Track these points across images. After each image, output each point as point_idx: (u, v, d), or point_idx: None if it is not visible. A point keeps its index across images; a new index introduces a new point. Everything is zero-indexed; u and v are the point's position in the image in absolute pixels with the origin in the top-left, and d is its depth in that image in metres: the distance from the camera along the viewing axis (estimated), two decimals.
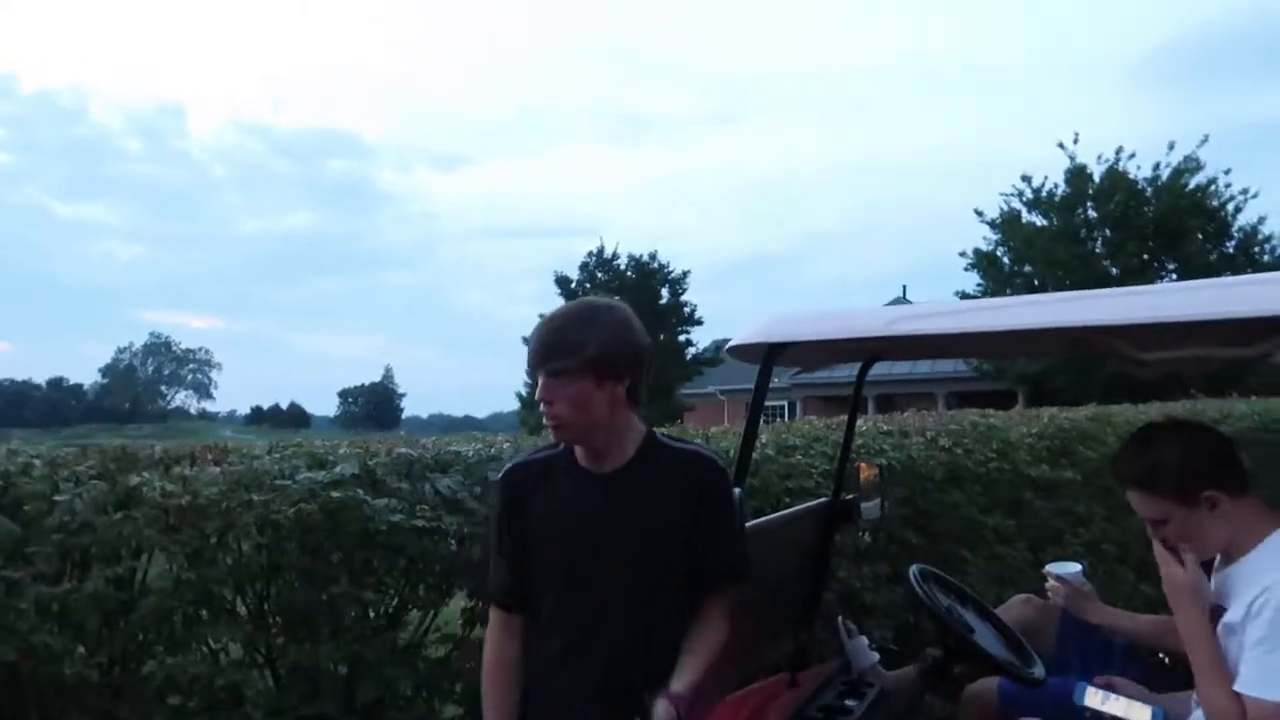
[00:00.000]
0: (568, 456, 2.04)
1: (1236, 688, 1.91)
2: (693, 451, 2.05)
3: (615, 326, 1.93)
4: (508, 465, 2.14)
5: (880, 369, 3.14)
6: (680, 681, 1.87)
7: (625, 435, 2.00)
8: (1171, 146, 21.66)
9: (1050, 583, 2.77)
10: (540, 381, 1.92)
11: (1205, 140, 22.89)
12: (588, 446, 1.99)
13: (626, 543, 1.95)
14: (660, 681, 1.89)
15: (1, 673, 2.22)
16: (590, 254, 29.95)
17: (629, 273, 29.53)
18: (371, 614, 2.83)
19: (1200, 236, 21.61)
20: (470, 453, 3.21)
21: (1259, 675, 1.88)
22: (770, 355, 2.34)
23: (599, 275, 29.54)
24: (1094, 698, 2.27)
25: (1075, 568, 2.82)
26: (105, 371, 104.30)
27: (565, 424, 1.93)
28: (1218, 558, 2.12)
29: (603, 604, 1.96)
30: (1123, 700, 2.22)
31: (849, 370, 3.24)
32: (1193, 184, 21.46)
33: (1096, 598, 2.73)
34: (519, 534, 2.04)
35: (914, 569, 2.71)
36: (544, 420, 1.94)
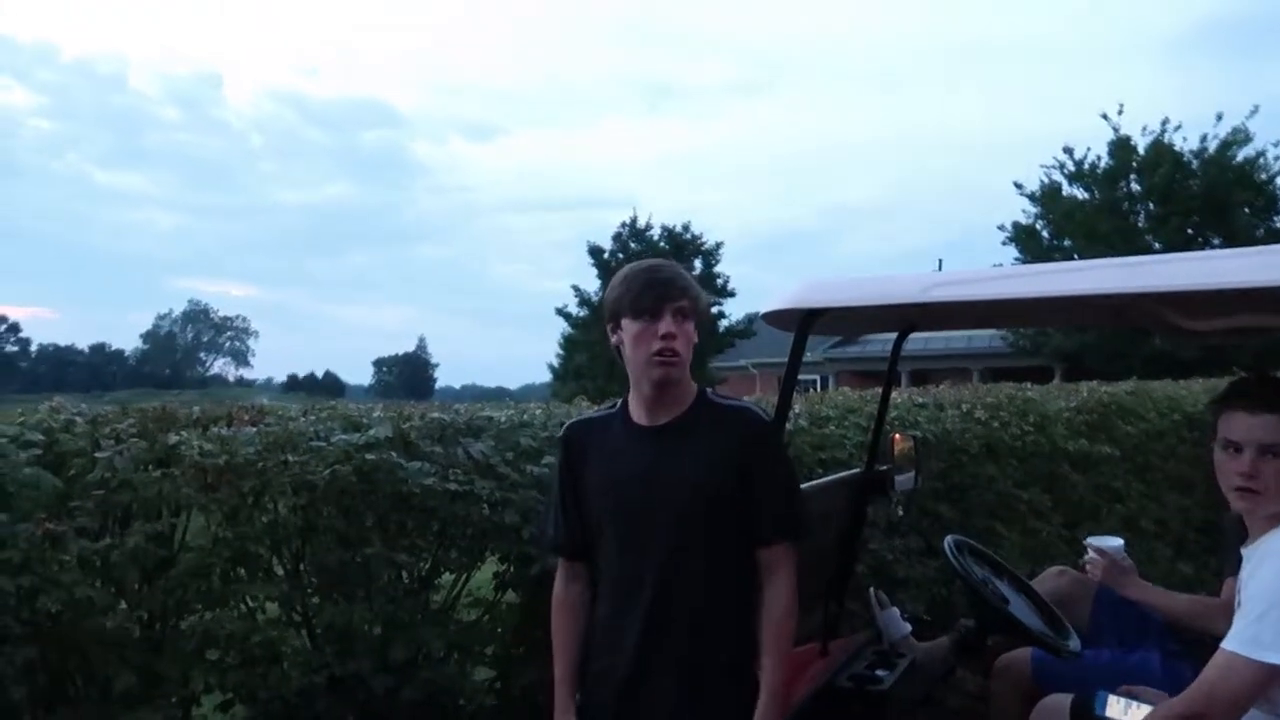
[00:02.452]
0: (623, 413, 2.09)
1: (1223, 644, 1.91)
2: (742, 407, 2.09)
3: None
4: (568, 423, 2.20)
5: (914, 344, 3.11)
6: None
7: (689, 386, 2.05)
8: (1219, 118, 21.06)
9: (1090, 554, 2.73)
10: (665, 317, 1.95)
11: (1255, 111, 22.21)
12: (668, 390, 2.01)
13: (673, 494, 1.98)
14: (710, 639, 1.95)
15: (45, 625, 2.26)
16: (623, 225, 29.82)
17: (662, 244, 29.37)
18: (405, 576, 2.86)
19: (1247, 210, 21.06)
20: (503, 418, 3.22)
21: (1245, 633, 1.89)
22: (805, 322, 2.31)
23: (632, 246, 29.41)
24: (1115, 707, 2.23)
25: (1117, 542, 2.78)
26: (146, 338, 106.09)
27: (680, 360, 1.98)
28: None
29: (653, 556, 1.99)
30: (1145, 709, 2.16)
31: (882, 344, 3.22)
32: (1240, 156, 20.89)
33: (1135, 573, 2.69)
34: (576, 488, 2.10)
35: (949, 539, 2.69)
36: (656, 355, 1.95)
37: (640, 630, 1.98)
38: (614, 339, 2.04)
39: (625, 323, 2.00)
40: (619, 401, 2.14)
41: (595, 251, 29.53)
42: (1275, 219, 21.30)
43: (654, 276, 2.00)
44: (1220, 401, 2.09)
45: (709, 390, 2.11)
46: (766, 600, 1.99)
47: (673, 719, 1.98)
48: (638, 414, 2.06)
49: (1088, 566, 2.78)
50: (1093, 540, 2.79)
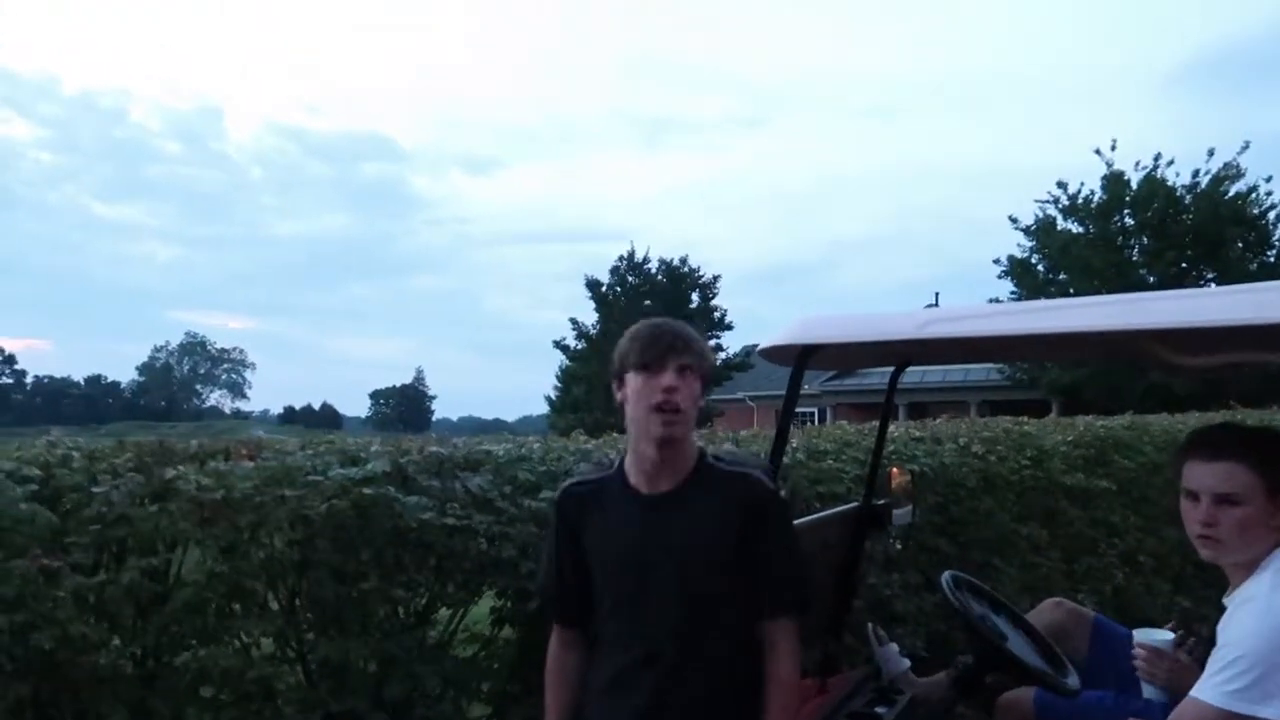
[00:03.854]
0: (620, 478, 2.04)
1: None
2: (743, 474, 2.02)
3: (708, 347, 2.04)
4: (563, 485, 2.15)
5: (912, 376, 3.13)
6: None
7: (689, 449, 2.00)
8: (1211, 153, 21.31)
9: (1140, 653, 2.40)
10: (669, 371, 1.92)
11: (1246, 147, 22.39)
12: (670, 451, 1.96)
13: (670, 567, 1.94)
14: (705, 712, 1.91)
15: (38, 661, 2.25)
16: (621, 258, 29.99)
17: (660, 277, 29.52)
18: (401, 611, 2.85)
19: (1240, 245, 21.22)
20: (501, 452, 3.22)
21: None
22: (802, 358, 2.33)
23: (629, 279, 29.56)
24: None
25: (1167, 635, 2.45)
26: (142, 370, 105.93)
27: (683, 417, 1.93)
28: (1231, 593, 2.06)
29: (651, 629, 1.95)
30: None
31: (879, 377, 3.23)
32: (1233, 191, 21.09)
33: (1198, 670, 2.16)
34: (573, 555, 2.06)
35: (946, 575, 2.68)
36: (660, 409, 1.90)
37: (645, 707, 1.93)
38: (619, 396, 2.00)
39: (629, 377, 1.96)
40: (616, 462, 2.08)
41: (593, 284, 29.66)
42: (1268, 254, 21.46)
43: (660, 330, 1.97)
44: (1181, 451, 2.12)
45: (709, 455, 2.06)
46: (769, 674, 1.94)
47: None
48: (636, 479, 2.01)
49: (1139, 666, 2.40)
50: (1140, 635, 2.43)
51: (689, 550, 1.94)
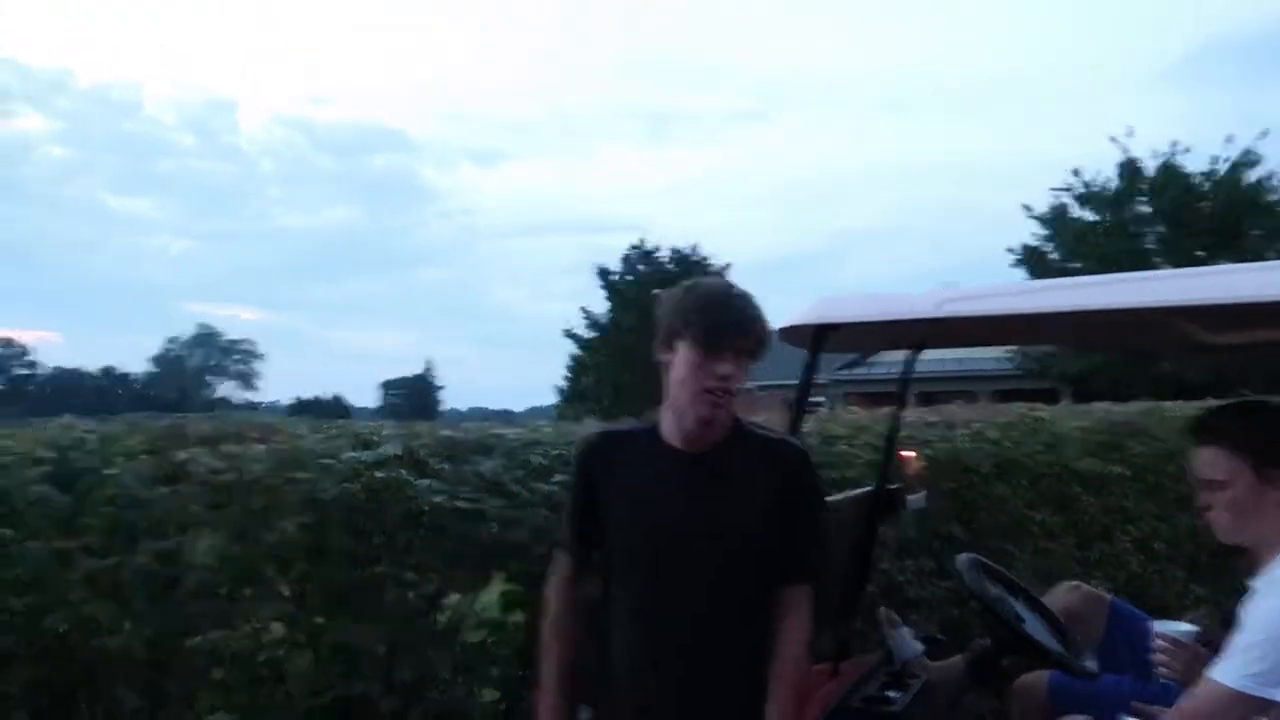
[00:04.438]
0: (654, 432, 2.01)
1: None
2: (782, 440, 2.04)
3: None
4: (591, 433, 2.15)
5: (922, 366, 3.09)
6: None
7: (723, 417, 1.98)
8: (1229, 140, 21.12)
9: (1160, 645, 2.29)
10: (727, 357, 1.87)
11: (1265, 134, 22.13)
12: (710, 423, 1.94)
13: (708, 524, 1.93)
14: (730, 673, 1.91)
15: (52, 644, 2.25)
16: (632, 247, 29.97)
17: (670, 265, 29.47)
18: (412, 595, 2.84)
19: (1258, 232, 21.04)
20: (513, 436, 3.21)
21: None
22: (818, 337, 2.31)
23: (640, 268, 29.52)
24: None
25: (1189, 628, 2.36)
26: (155, 361, 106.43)
27: (730, 400, 1.91)
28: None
29: (679, 584, 1.94)
30: None
31: (889, 367, 3.20)
32: (1251, 178, 20.91)
33: None
34: (592, 502, 2.04)
35: (962, 557, 2.66)
36: (707, 393, 1.87)
37: (673, 662, 1.93)
38: (665, 356, 1.96)
39: (682, 348, 1.90)
40: (653, 418, 2.05)
41: (604, 273, 29.64)
42: None
43: (728, 309, 1.90)
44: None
45: (743, 419, 2.03)
46: (784, 637, 1.95)
47: None
48: (673, 437, 1.98)
49: (1158, 659, 2.28)
50: (1160, 627, 2.35)
51: (726, 508, 1.93)
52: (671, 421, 1.98)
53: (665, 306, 1.97)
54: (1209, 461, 2.06)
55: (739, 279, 2.05)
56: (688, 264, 29.69)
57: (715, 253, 31.67)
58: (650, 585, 1.97)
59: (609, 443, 2.08)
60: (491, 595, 3.05)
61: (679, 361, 1.91)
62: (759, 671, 1.95)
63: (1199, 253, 20.52)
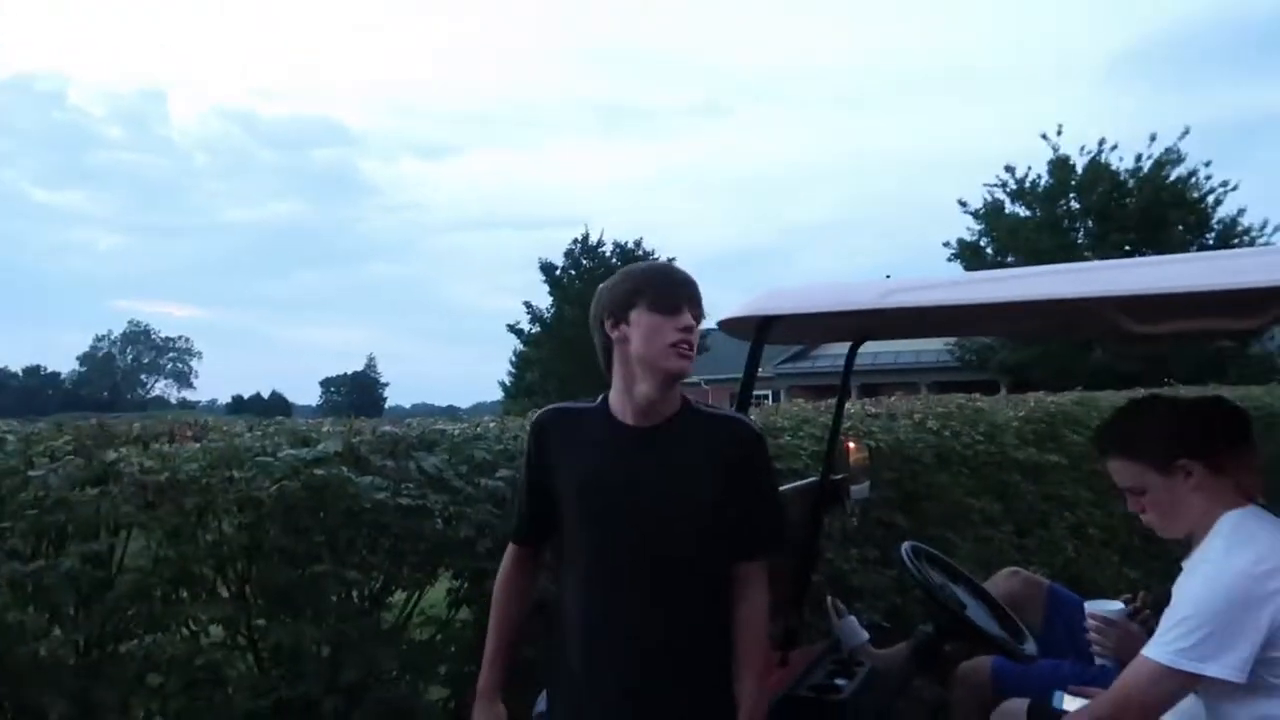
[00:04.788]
0: (604, 410, 2.02)
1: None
2: (730, 416, 2.05)
3: None
4: (544, 409, 2.14)
5: (863, 358, 3.12)
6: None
7: (676, 392, 2.00)
8: (1153, 138, 21.74)
9: (1093, 624, 2.41)
10: (684, 313, 1.94)
11: (1186, 133, 22.84)
12: (670, 391, 1.97)
13: (657, 498, 1.93)
14: (698, 652, 1.92)
15: None
16: (575, 241, 29.84)
17: (614, 260, 29.41)
18: (355, 594, 2.79)
19: (1181, 228, 21.72)
20: (456, 432, 3.17)
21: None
22: (762, 329, 2.31)
23: (584, 262, 29.42)
24: (1071, 704, 2.25)
25: (1118, 605, 2.48)
26: (83, 360, 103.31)
27: (692, 356, 1.96)
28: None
29: (628, 557, 1.93)
30: None
31: (832, 359, 3.23)
32: (1174, 176, 21.56)
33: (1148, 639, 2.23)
34: (544, 478, 2.03)
35: (905, 545, 2.69)
36: (673, 346, 1.91)
37: (624, 639, 1.92)
38: (613, 333, 1.96)
39: (636, 315, 1.93)
40: (600, 397, 2.05)
41: (547, 268, 29.48)
42: (1207, 236, 21.98)
43: (676, 275, 2.00)
44: None
45: (691, 399, 2.05)
46: (744, 614, 1.96)
47: None
48: (622, 413, 1.98)
49: (1091, 637, 2.41)
50: (1092, 606, 2.45)
51: (677, 482, 1.93)
52: (622, 399, 1.98)
53: (608, 286, 2.01)
54: (1117, 472, 2.13)
55: (690, 274, 2.05)
56: (631, 258, 29.66)
57: (660, 246, 31.70)
58: (600, 560, 1.96)
59: (561, 418, 2.07)
60: (438, 593, 3.01)
61: (637, 328, 1.92)
62: (711, 646, 1.95)
63: (1126, 247, 21.14)
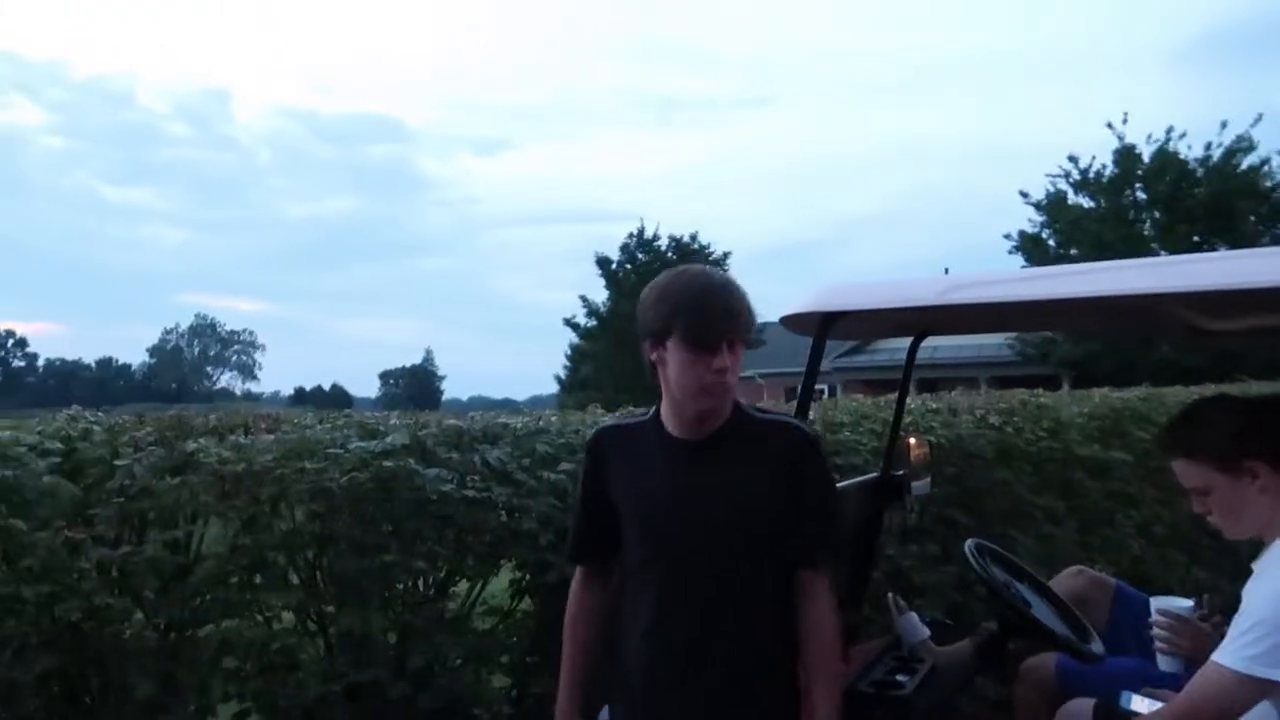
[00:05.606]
0: (656, 424, 2.01)
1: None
2: (783, 422, 2.01)
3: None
4: (597, 428, 2.13)
5: (923, 352, 3.09)
6: None
7: (726, 404, 1.97)
8: (1224, 126, 21.09)
9: (1161, 621, 2.36)
10: (721, 351, 1.85)
11: (1259, 119, 22.13)
12: (712, 414, 1.94)
13: (711, 512, 1.92)
14: (757, 661, 1.91)
15: (65, 633, 2.26)
16: (631, 235, 29.89)
17: (670, 254, 29.41)
18: (421, 583, 2.85)
19: (1253, 219, 21.05)
20: (519, 425, 3.22)
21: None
22: (824, 326, 2.31)
23: (639, 256, 29.47)
24: (1139, 704, 2.22)
25: (1186, 603, 2.43)
26: (152, 352, 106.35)
27: (730, 392, 1.91)
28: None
29: (694, 576, 1.93)
30: None
31: (890, 354, 3.21)
32: (1245, 164, 20.90)
33: (1218, 640, 2.10)
34: (601, 497, 2.03)
35: (970, 542, 2.67)
36: (706, 390, 1.86)
37: (685, 651, 1.92)
38: (652, 355, 1.93)
39: (672, 345, 1.87)
40: (651, 410, 2.05)
41: (603, 262, 29.59)
42: (1279, 228, 21.28)
43: (712, 302, 1.85)
44: None
45: (743, 403, 2.03)
46: (812, 622, 1.94)
47: None
48: (673, 427, 1.97)
49: (1157, 634, 2.36)
50: (1159, 603, 2.39)
51: (734, 495, 1.92)
52: (671, 413, 1.98)
53: (645, 305, 1.93)
54: (1183, 473, 2.10)
55: (741, 267, 2.06)
56: (687, 252, 29.62)
57: (715, 240, 31.61)
58: (659, 575, 1.96)
59: (616, 435, 2.08)
60: (500, 583, 3.06)
61: (671, 361, 1.89)
62: (774, 656, 1.95)
63: (1194, 238, 20.53)
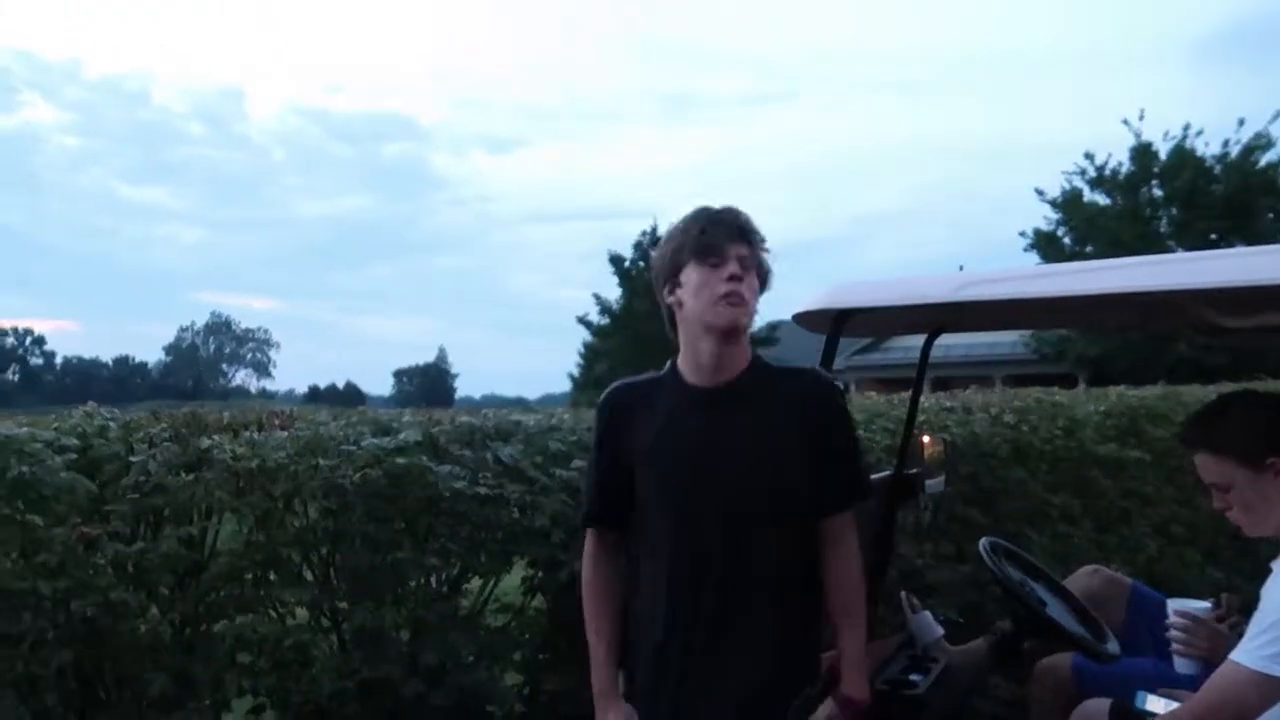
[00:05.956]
0: (673, 376, 1.98)
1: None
2: (801, 369, 2.00)
3: None
4: (612, 385, 2.10)
5: (936, 350, 3.08)
6: (852, 684, 1.89)
7: (746, 347, 1.95)
8: (1242, 123, 20.90)
9: (1179, 621, 2.35)
10: (730, 259, 1.84)
11: (1277, 116, 21.92)
12: (731, 346, 1.91)
13: (732, 457, 1.89)
14: (783, 611, 1.89)
15: (80, 628, 2.28)
16: (644, 233, 29.85)
17: None
18: (433, 580, 2.86)
19: (1271, 216, 20.86)
20: (532, 423, 3.22)
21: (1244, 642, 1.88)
22: (837, 323, 2.30)
23: (653, 254, 29.45)
24: (1155, 704, 2.20)
25: (1204, 604, 2.42)
26: (168, 350, 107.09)
27: (745, 305, 1.87)
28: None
29: (716, 527, 1.89)
30: None
31: (905, 351, 3.20)
32: (1264, 161, 20.71)
33: (1235, 640, 2.06)
34: (618, 454, 1.99)
35: (984, 541, 2.66)
36: (722, 298, 1.84)
37: (714, 605, 1.88)
38: (670, 299, 1.92)
39: (687, 271, 1.87)
40: (668, 363, 2.01)
41: (616, 260, 29.60)
42: None
43: (720, 215, 1.89)
44: None
45: (761, 354, 2.00)
46: (837, 568, 1.92)
47: (745, 699, 1.87)
48: (691, 374, 1.94)
49: (1174, 635, 2.35)
50: (1175, 605, 2.37)
51: (748, 438, 1.89)
52: (688, 361, 1.95)
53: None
54: (1204, 467, 2.08)
55: None
56: None
57: None
58: (678, 525, 1.92)
59: (630, 392, 2.04)
60: (513, 580, 3.07)
61: (686, 288, 1.88)
62: (790, 603, 1.92)
63: (1212, 235, 20.38)
